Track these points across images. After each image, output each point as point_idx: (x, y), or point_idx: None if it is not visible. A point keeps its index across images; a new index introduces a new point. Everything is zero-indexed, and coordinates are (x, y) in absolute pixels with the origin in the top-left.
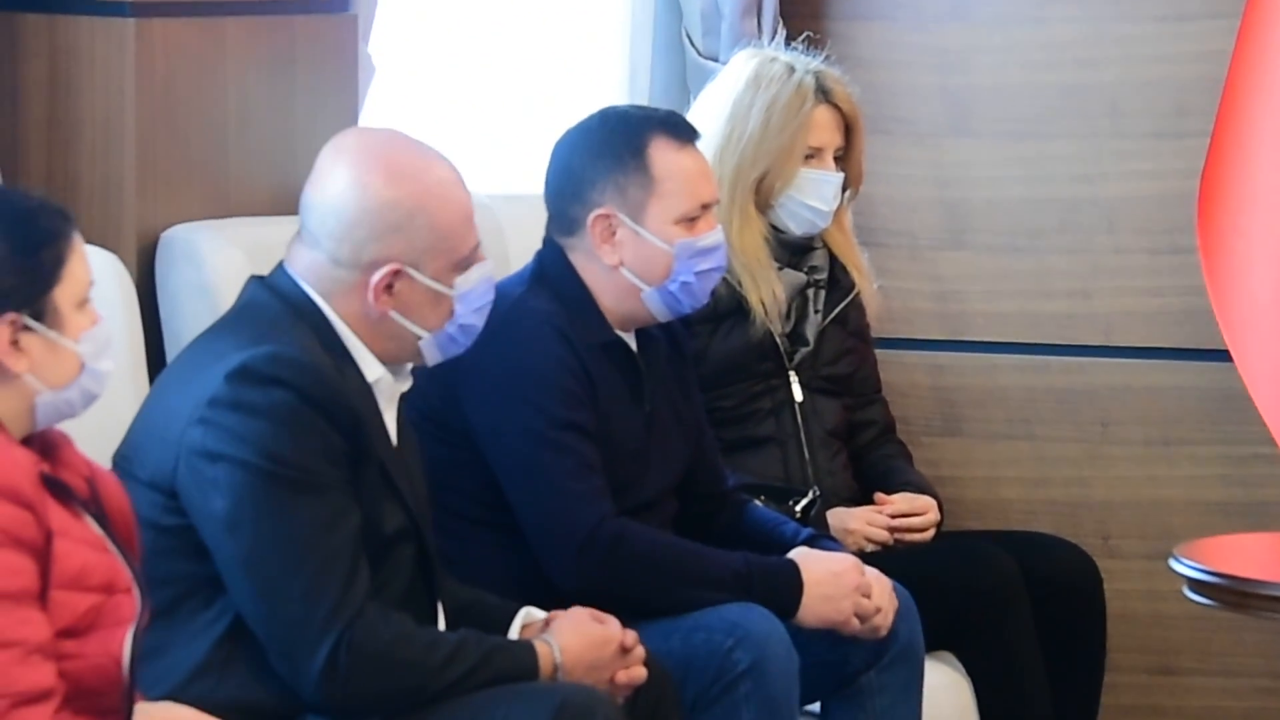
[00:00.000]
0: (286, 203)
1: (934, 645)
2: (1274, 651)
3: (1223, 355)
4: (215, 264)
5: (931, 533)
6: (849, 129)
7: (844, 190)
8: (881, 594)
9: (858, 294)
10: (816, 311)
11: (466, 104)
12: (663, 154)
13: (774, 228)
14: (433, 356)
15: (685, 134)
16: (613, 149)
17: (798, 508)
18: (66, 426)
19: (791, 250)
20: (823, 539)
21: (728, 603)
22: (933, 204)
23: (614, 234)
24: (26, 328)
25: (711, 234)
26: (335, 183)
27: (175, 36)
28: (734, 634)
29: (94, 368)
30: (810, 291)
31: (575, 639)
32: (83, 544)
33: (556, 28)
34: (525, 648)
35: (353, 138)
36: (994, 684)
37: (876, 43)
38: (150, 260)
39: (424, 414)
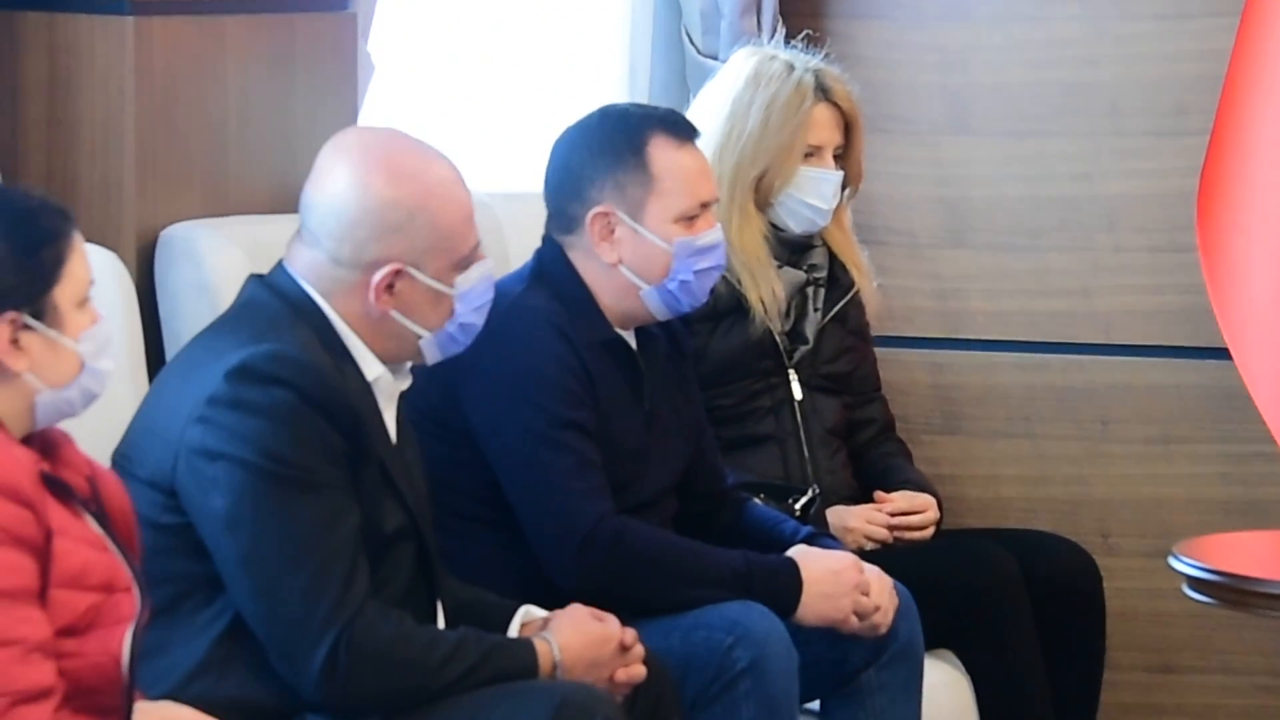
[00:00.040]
0: (286, 201)
1: (933, 643)
2: (1273, 649)
3: (1222, 354)
4: (215, 263)
5: (931, 531)
6: (848, 127)
7: (843, 188)
8: (881, 592)
9: (857, 292)
10: (816, 310)
11: (466, 102)
12: (662, 152)
13: (773, 226)
14: (433, 355)
15: (685, 132)
16: (612, 147)
17: (797, 506)
18: (66, 425)
19: (791, 248)
20: (822, 537)
21: (727, 601)
22: (932, 202)
23: (613, 232)
24: (27, 326)
25: (710, 233)
26: (336, 182)
27: (175, 34)
28: (734, 632)
29: (94, 367)
30: (810, 290)
31: (575, 637)
32: (83, 543)
33: (556, 26)
34: (525, 646)
35: (353, 137)
36: (993, 682)
37: (876, 41)
38: (150, 259)
39: (424, 412)
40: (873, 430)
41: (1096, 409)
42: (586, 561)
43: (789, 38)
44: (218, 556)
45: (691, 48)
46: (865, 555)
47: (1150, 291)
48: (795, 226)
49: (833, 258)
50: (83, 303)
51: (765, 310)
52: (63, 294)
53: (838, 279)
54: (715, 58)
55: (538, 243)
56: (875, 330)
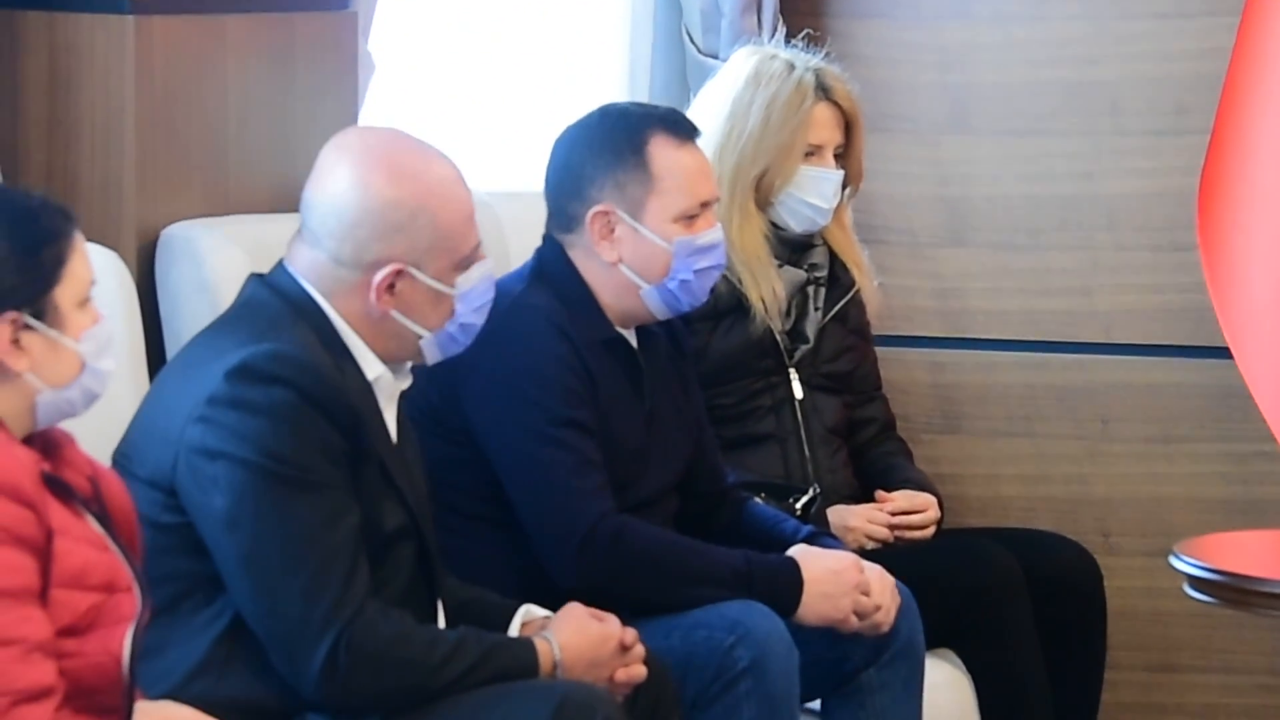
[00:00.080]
0: (286, 200)
1: (934, 643)
2: (1274, 649)
3: (1223, 352)
4: (215, 262)
5: (932, 530)
6: (849, 126)
7: (844, 188)
8: (882, 591)
9: (858, 291)
10: (816, 309)
11: (466, 101)
12: (662, 151)
13: (774, 225)
14: (433, 355)
15: (685, 131)
16: (613, 146)
17: (798, 505)
18: (67, 425)
19: (791, 247)
20: (823, 536)
21: (728, 600)
22: (933, 201)
23: (613, 231)
24: (27, 326)
25: (710, 232)
26: (337, 182)
27: (175, 33)
28: (735, 631)
29: (95, 367)
30: (810, 289)
31: (575, 636)
32: (83, 543)
33: (556, 25)
34: (525, 645)
35: (354, 136)
36: (994, 681)
37: (876, 40)
38: (150, 258)
39: (424, 411)
40: (873, 429)
41: (1097, 408)
42: (587, 560)
43: (789, 37)
44: (218, 556)
45: (692, 47)
46: (866, 554)
47: (1151, 290)
48: (796, 226)
49: (833, 257)
50: (84, 302)
51: (766, 309)
52: (64, 294)
53: (838, 278)
54: (715, 57)
55: (538, 242)
56: (876, 329)
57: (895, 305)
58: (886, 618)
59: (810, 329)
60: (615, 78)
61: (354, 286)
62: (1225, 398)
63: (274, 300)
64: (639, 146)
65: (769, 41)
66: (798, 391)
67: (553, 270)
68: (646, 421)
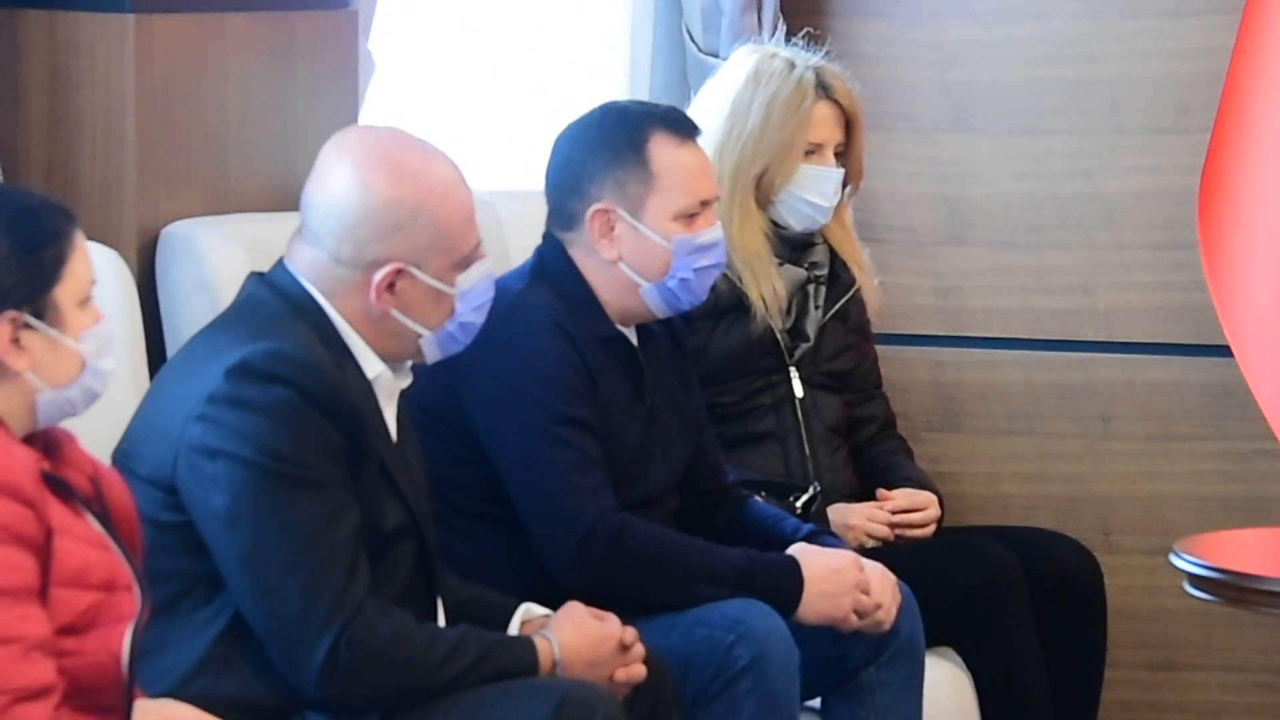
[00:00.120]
0: (287, 199)
1: (934, 641)
2: (1275, 647)
3: (1223, 350)
4: (215, 260)
5: (932, 529)
6: (849, 125)
7: (844, 186)
8: (883, 589)
9: (858, 290)
10: (817, 307)
11: (467, 100)
12: (663, 149)
13: (774, 223)
14: (433, 354)
15: (686, 130)
16: (613, 144)
17: (798, 504)
18: (67, 424)
19: (792, 246)
20: (823, 535)
21: (728, 599)
22: (933, 200)
23: (613, 229)
24: (28, 326)
25: (710, 230)
26: (337, 181)
27: (175, 32)
28: (735, 630)
29: (96, 366)
30: (811, 287)
31: (575, 635)
32: (83, 542)
33: (557, 23)
34: (525, 644)
35: (354, 136)
36: (994, 680)
37: (877, 38)
38: (150, 256)
39: (424, 410)
40: (874, 428)
41: (1097, 406)
42: (587, 558)
43: (790, 35)
44: (217, 554)
45: (692, 45)
46: (866, 553)
47: (1151, 289)
48: (796, 224)
49: (834, 255)
50: (84, 302)
51: (766, 308)
52: (64, 293)
53: (839, 276)
54: (716, 55)
55: (538, 240)
56: (876, 328)
57: (896, 304)
58: (887, 616)
59: (810, 327)
60: (616, 76)
61: (354, 286)
62: (1225, 396)
63: (274, 299)
64: (639, 145)
65: (769, 40)
66: (798, 390)
67: (553, 268)
68: (647, 420)
